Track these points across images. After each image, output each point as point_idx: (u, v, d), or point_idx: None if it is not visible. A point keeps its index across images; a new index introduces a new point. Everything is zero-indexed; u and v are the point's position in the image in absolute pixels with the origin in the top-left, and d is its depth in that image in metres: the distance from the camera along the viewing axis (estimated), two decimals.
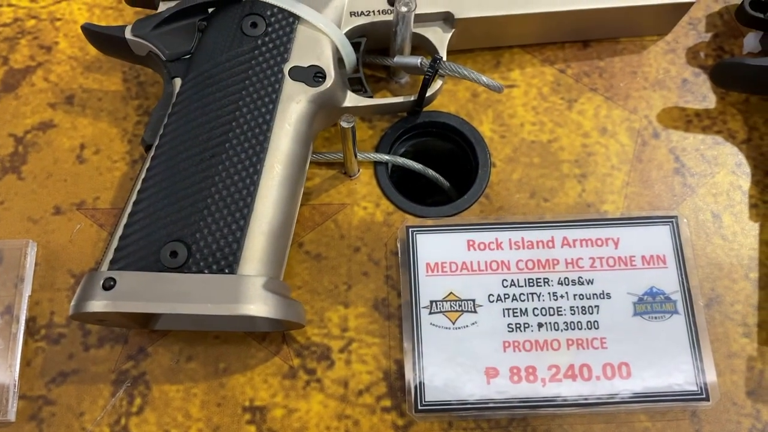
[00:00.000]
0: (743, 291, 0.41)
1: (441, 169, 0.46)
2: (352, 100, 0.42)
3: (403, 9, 0.39)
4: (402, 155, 0.46)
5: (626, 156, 0.44)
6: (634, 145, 0.45)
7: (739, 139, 0.45)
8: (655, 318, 0.40)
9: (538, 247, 0.41)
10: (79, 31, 0.48)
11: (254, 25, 0.40)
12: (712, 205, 0.43)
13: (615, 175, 0.44)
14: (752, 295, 0.41)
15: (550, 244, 0.41)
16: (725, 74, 0.44)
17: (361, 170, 0.44)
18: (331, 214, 0.43)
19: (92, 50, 0.47)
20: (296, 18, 0.40)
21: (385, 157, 0.44)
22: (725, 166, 0.44)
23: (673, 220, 0.42)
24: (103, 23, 0.48)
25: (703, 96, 0.46)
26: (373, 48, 0.44)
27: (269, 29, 0.40)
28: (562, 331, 0.40)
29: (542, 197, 0.43)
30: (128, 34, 0.40)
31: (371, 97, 0.43)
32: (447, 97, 0.46)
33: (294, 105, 0.39)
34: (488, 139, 0.45)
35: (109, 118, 0.45)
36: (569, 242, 0.41)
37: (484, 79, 0.39)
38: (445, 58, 0.42)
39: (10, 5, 0.48)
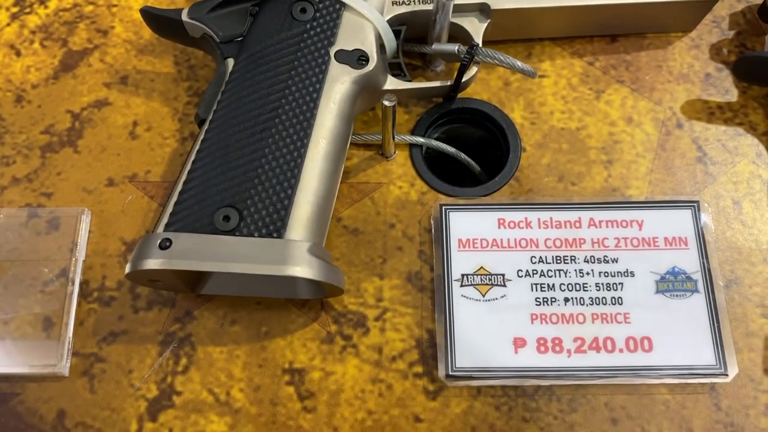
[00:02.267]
0: (762, 274, 0.43)
1: (472, 155, 0.48)
2: (392, 83, 0.44)
3: None
4: (436, 140, 0.48)
5: (651, 144, 0.46)
6: (658, 135, 0.47)
7: (760, 131, 0.47)
8: (677, 296, 0.42)
9: (565, 227, 0.43)
10: (134, 16, 0.51)
11: (303, 10, 0.42)
12: (733, 192, 0.45)
13: (640, 162, 0.46)
14: None
15: (578, 224, 0.43)
16: (747, 68, 0.46)
17: (397, 152, 0.46)
18: (368, 192, 0.45)
19: (146, 34, 0.50)
20: (342, 4, 0.43)
21: (420, 140, 0.46)
22: (746, 156, 0.46)
23: (695, 204, 0.44)
24: None
25: (726, 90, 0.48)
26: (412, 36, 0.47)
27: (317, 14, 0.42)
28: (587, 305, 0.42)
29: (570, 181, 0.46)
30: (185, 17, 0.43)
31: (410, 81, 0.45)
32: (480, 86, 0.48)
33: (339, 85, 0.41)
34: (519, 125, 0.47)
35: (160, 98, 0.48)
36: (595, 223, 0.43)
37: (519, 64, 0.42)
38: (480, 42, 0.45)
39: None
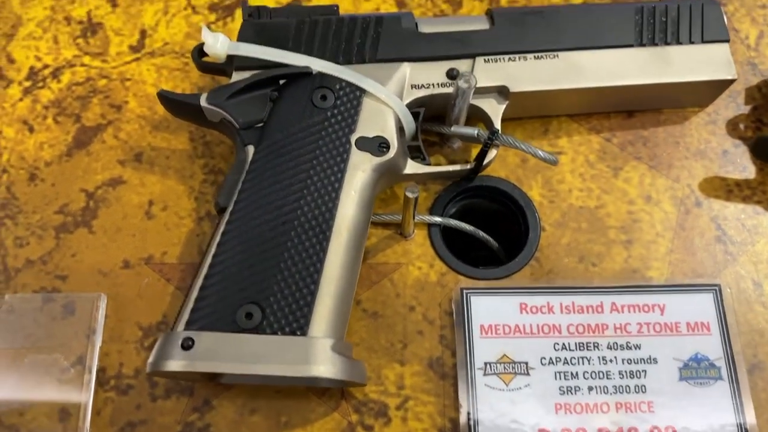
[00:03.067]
0: None
1: (489, 228, 0.48)
2: (412, 167, 0.44)
3: (464, 85, 0.42)
4: (453, 214, 0.48)
5: (670, 223, 0.46)
6: (677, 213, 0.47)
7: None
8: (701, 383, 0.41)
9: (588, 312, 0.43)
10: (148, 90, 0.50)
11: (324, 97, 0.42)
12: (753, 273, 0.45)
13: (659, 242, 0.46)
14: None
15: (600, 309, 0.43)
16: (766, 148, 0.46)
17: (415, 231, 0.46)
18: (387, 273, 0.45)
19: (160, 110, 0.49)
20: (362, 91, 0.43)
21: (439, 220, 0.46)
22: (765, 235, 0.46)
23: (716, 288, 0.43)
24: (170, 84, 0.50)
25: (743, 167, 0.48)
26: (430, 114, 0.46)
27: (338, 102, 0.42)
28: (611, 394, 0.41)
29: (590, 262, 0.45)
30: (203, 102, 0.43)
31: (429, 164, 0.45)
32: (497, 162, 0.48)
33: (360, 173, 0.41)
34: (537, 203, 0.47)
35: (176, 176, 0.48)
36: (617, 308, 0.43)
37: (540, 153, 0.42)
38: (499, 128, 0.45)
39: (83, 65, 0.51)
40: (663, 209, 0.47)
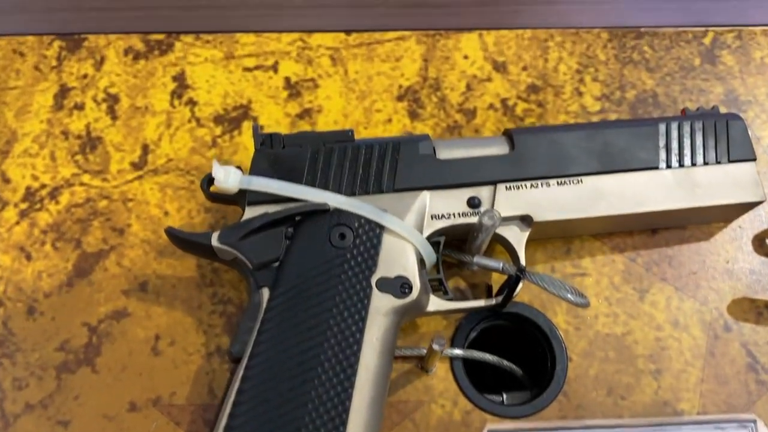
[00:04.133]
0: None
1: (511, 349, 0.46)
2: (434, 303, 0.42)
3: (488, 222, 0.40)
4: (474, 338, 0.46)
5: (699, 350, 0.45)
6: (706, 339, 0.45)
7: None
8: None
9: None
10: (152, 212, 0.48)
11: (342, 236, 0.40)
12: None
13: (689, 371, 0.44)
14: None
15: None
16: None
17: (437, 365, 0.44)
18: (409, 413, 0.43)
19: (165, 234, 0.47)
20: (382, 228, 0.41)
21: (462, 353, 0.44)
22: None
23: (752, 424, 0.42)
24: (175, 204, 0.48)
25: None
26: (450, 240, 0.44)
27: (357, 240, 0.40)
28: None
29: (619, 395, 0.43)
30: (215, 242, 0.40)
31: (451, 298, 0.43)
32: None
33: (382, 318, 0.39)
34: (563, 331, 0.45)
35: (183, 307, 0.45)
36: None
37: (571, 297, 0.40)
38: (523, 256, 0.43)
39: (82, 184, 0.49)
40: (692, 335, 0.45)
